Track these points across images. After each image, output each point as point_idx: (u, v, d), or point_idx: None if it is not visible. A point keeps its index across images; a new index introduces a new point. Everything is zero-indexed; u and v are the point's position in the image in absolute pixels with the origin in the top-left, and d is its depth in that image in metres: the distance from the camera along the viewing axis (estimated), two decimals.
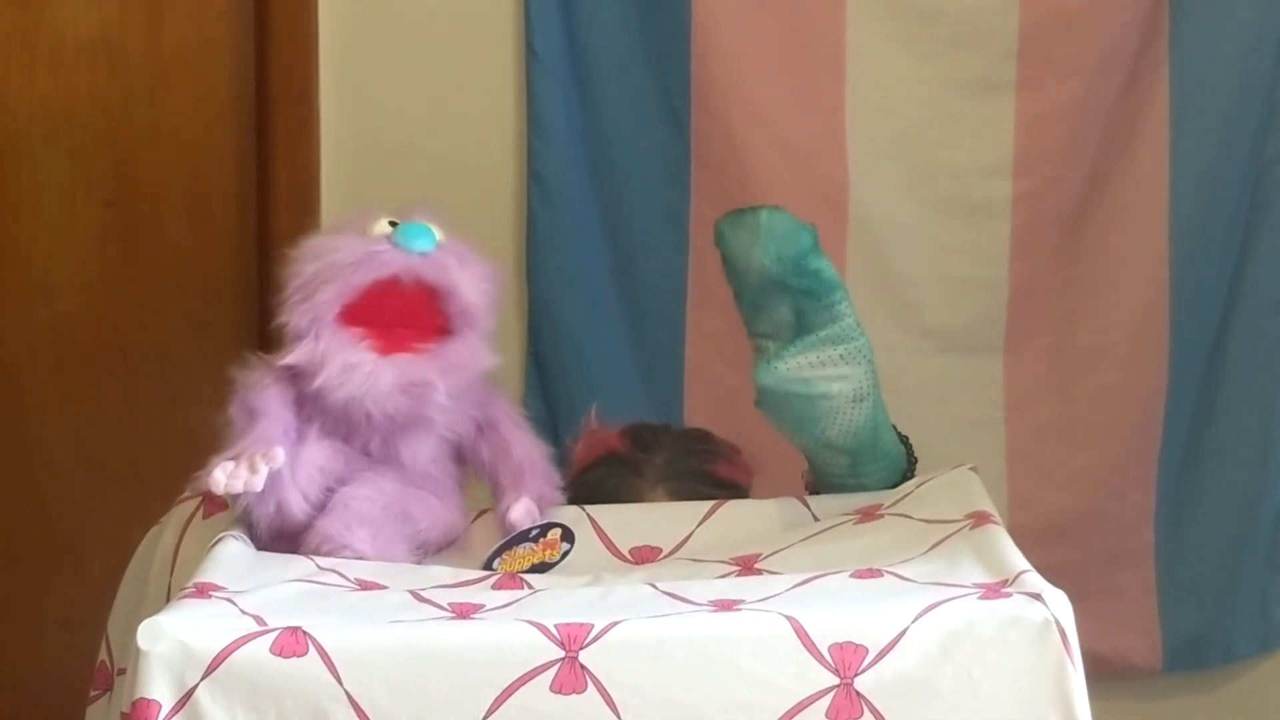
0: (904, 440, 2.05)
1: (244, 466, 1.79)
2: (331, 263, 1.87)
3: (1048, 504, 2.90)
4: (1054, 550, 2.79)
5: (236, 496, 1.83)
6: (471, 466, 1.96)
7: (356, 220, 1.92)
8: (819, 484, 2.03)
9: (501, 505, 1.92)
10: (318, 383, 1.86)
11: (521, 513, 1.90)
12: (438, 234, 1.91)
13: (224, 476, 1.79)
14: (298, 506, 1.84)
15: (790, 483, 2.07)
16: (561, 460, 2.08)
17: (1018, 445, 2.92)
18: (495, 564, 1.85)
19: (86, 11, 2.84)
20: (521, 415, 2.00)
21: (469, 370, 1.90)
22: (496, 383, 2.02)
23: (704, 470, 2.18)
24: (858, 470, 1.98)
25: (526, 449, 1.96)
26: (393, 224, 1.90)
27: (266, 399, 1.87)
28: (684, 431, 2.30)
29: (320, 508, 1.85)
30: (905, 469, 2.04)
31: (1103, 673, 2.84)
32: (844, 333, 1.93)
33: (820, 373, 1.92)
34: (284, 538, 1.85)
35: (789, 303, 1.94)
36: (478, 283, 1.91)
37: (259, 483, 1.79)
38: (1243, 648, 2.99)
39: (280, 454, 1.80)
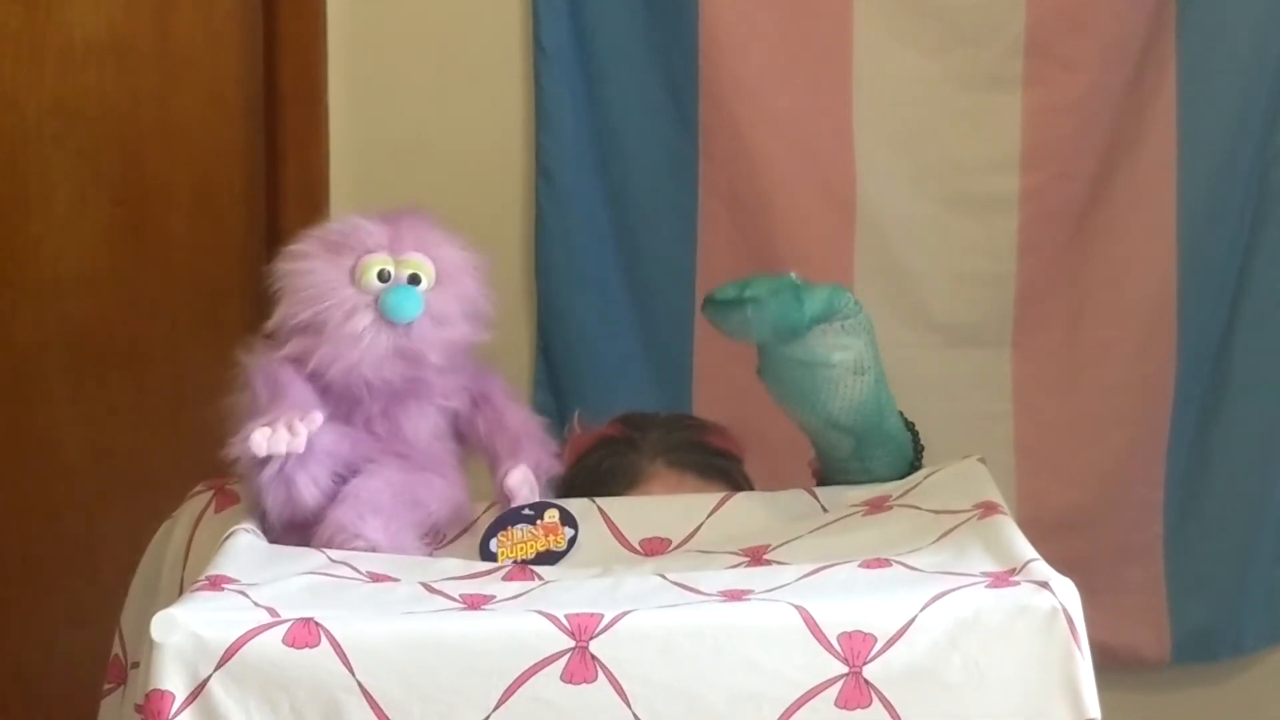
0: (910, 427, 2.05)
1: (283, 428, 1.80)
2: (318, 312, 1.88)
3: (1056, 498, 2.91)
4: (1063, 544, 2.75)
5: (250, 486, 1.84)
6: (469, 441, 1.98)
7: (350, 244, 1.92)
8: (825, 470, 2.03)
9: (499, 473, 1.93)
10: (316, 358, 1.87)
11: (519, 478, 1.91)
12: (426, 278, 1.91)
13: (264, 439, 1.80)
14: (308, 492, 1.85)
15: (797, 474, 2.07)
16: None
17: (1026, 440, 2.93)
18: (493, 545, 1.85)
19: (95, 12, 2.85)
20: (515, 390, 2.02)
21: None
22: (503, 374, 2.03)
23: (699, 441, 2.20)
24: (863, 454, 1.98)
25: (522, 419, 1.98)
26: (382, 277, 1.91)
27: (286, 371, 1.89)
28: (671, 413, 2.32)
29: (330, 495, 1.86)
30: (912, 458, 2.04)
31: (1111, 665, 2.88)
32: (844, 309, 1.94)
33: (821, 340, 1.93)
34: (295, 529, 1.86)
35: None
36: (459, 328, 1.93)
37: (301, 444, 1.80)
38: (1251, 640, 3.00)
39: (319, 416, 1.83)
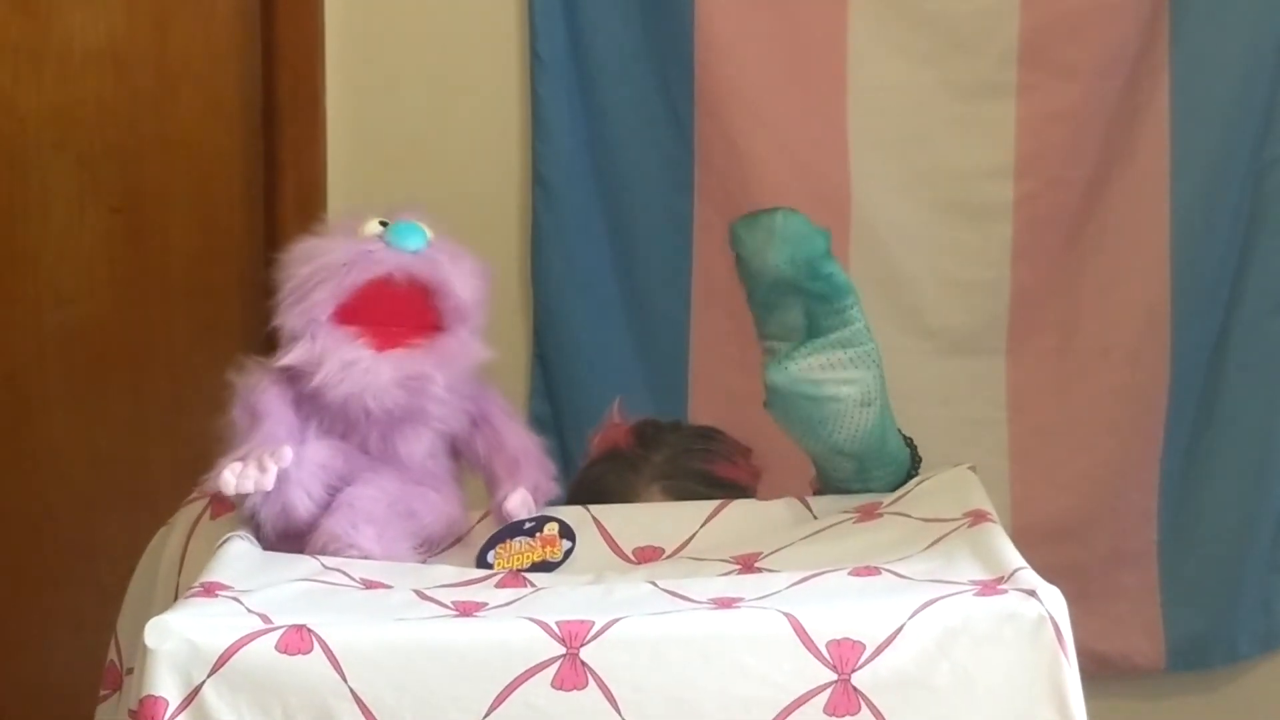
0: (909, 442, 2.06)
1: (253, 466, 1.81)
2: (324, 264, 1.89)
3: (1050, 505, 2.92)
4: (1057, 551, 2.81)
5: (244, 497, 1.84)
6: (466, 460, 1.98)
7: (347, 222, 1.94)
8: (825, 489, 2.04)
9: (497, 496, 1.94)
10: (316, 381, 1.87)
11: (517, 502, 1.92)
12: (428, 232, 1.93)
13: (234, 477, 1.81)
14: (302, 505, 1.86)
15: (796, 484, 2.08)
16: (579, 452, 2.08)
17: (1020, 446, 2.94)
18: (490, 556, 1.86)
19: (94, 20, 2.86)
20: (514, 408, 2.02)
21: (463, 363, 1.93)
22: (500, 384, 2.04)
23: (702, 470, 2.19)
24: (864, 475, 1.99)
25: (521, 440, 1.98)
26: (383, 224, 1.92)
27: (268, 400, 1.89)
28: (692, 430, 2.31)
29: (324, 506, 1.87)
30: (910, 470, 2.05)
31: (1106, 672, 2.90)
32: (854, 336, 1.94)
33: (830, 375, 1.93)
34: (289, 538, 1.86)
35: (801, 305, 1.96)
36: (469, 279, 1.93)
37: (269, 481, 1.81)
38: (1245, 647, 3.00)
39: (288, 452, 1.82)
